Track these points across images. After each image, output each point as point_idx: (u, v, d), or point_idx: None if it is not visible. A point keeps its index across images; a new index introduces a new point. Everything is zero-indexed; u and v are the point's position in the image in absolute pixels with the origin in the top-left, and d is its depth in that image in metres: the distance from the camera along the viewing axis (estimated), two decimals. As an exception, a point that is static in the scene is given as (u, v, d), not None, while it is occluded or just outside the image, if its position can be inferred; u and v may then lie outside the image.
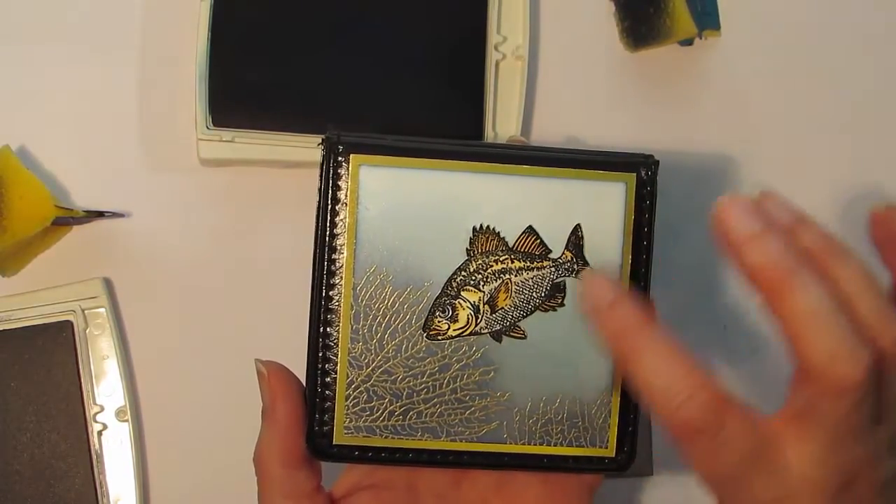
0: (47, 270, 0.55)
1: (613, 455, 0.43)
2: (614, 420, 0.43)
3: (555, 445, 0.43)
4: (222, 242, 0.56)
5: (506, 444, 0.42)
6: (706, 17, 0.58)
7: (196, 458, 0.55)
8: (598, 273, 0.41)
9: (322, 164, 0.41)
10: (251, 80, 0.54)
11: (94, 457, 0.53)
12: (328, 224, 0.41)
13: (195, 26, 0.54)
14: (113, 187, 0.55)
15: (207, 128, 0.53)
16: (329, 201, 0.41)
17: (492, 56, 0.56)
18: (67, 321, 0.53)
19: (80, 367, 0.53)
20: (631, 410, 0.43)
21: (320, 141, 0.42)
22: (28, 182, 0.52)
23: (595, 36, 0.59)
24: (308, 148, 0.54)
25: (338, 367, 0.42)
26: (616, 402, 0.43)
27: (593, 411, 0.42)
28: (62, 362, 0.53)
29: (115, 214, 0.55)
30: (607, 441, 0.43)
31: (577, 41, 0.59)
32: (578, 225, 0.42)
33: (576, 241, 0.42)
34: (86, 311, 0.54)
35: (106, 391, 0.54)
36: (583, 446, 0.43)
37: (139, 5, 0.56)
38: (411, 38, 0.56)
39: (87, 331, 0.54)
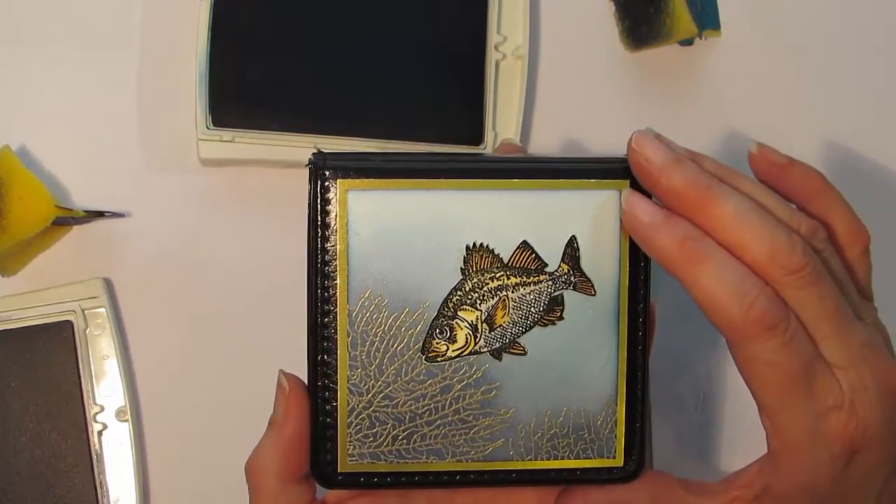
0: (47, 270, 0.55)
1: (622, 465, 0.43)
2: (620, 430, 0.42)
3: (562, 459, 0.42)
4: (222, 242, 0.56)
5: (512, 461, 0.42)
6: (706, 17, 0.59)
7: (196, 458, 0.55)
8: (636, 192, 0.41)
9: (309, 191, 0.41)
10: (251, 80, 0.54)
11: (94, 457, 0.53)
12: (319, 251, 0.41)
13: (195, 26, 0.54)
14: (113, 187, 0.55)
15: (207, 128, 0.53)
16: (319, 228, 0.41)
17: (492, 56, 0.56)
18: (67, 321, 0.53)
19: (81, 367, 0.53)
20: (637, 419, 0.43)
21: (307, 163, 0.41)
22: (28, 182, 0.52)
23: (595, 36, 0.59)
24: (308, 148, 0.54)
25: (338, 395, 0.41)
26: (621, 411, 0.42)
27: (599, 422, 0.42)
28: (62, 362, 0.53)
29: (115, 214, 0.55)
30: (615, 451, 0.42)
31: (577, 41, 0.59)
32: (573, 237, 0.41)
33: (571, 253, 0.42)
34: (86, 311, 0.54)
35: (106, 391, 0.54)
36: (590, 458, 0.42)
37: (139, 5, 0.56)
38: (412, 38, 0.56)
39: (88, 331, 0.54)
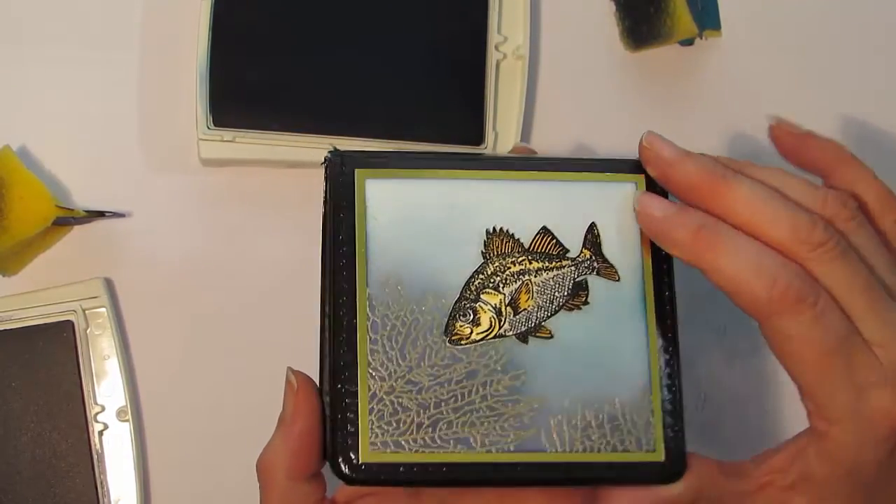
0: (48, 270, 0.55)
1: (662, 460, 0.40)
2: (658, 420, 0.40)
3: (598, 452, 0.40)
4: (222, 242, 0.56)
5: (546, 452, 0.40)
6: (706, 17, 0.59)
7: (197, 457, 0.55)
8: (648, 192, 0.41)
9: (326, 182, 0.41)
10: (251, 80, 0.54)
11: (94, 457, 0.53)
12: (337, 236, 0.40)
13: (196, 26, 0.54)
14: (113, 187, 0.55)
15: (208, 128, 0.53)
16: (337, 213, 0.40)
17: (492, 56, 0.56)
18: (68, 321, 0.53)
19: (81, 366, 0.53)
20: (675, 408, 0.41)
21: (322, 161, 0.41)
22: (29, 182, 0.52)
23: (595, 36, 0.59)
24: (308, 148, 0.54)
25: (358, 379, 0.40)
26: (657, 401, 0.40)
27: (634, 412, 0.40)
28: (63, 362, 0.53)
29: (115, 214, 0.55)
30: (653, 442, 0.40)
31: (577, 41, 0.59)
32: (594, 223, 0.41)
33: (593, 239, 0.41)
34: (86, 311, 0.54)
35: (107, 391, 0.54)
36: (628, 451, 0.40)
37: (139, 5, 0.56)
38: (412, 38, 0.56)
39: (88, 331, 0.54)
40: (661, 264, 0.41)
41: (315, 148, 0.53)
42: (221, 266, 0.56)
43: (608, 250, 0.41)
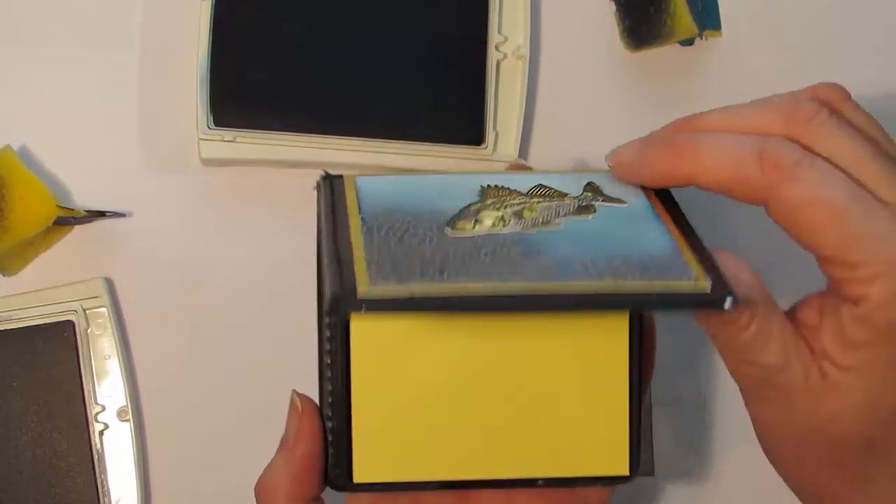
0: (49, 270, 0.55)
1: (708, 290, 0.35)
2: (695, 265, 0.36)
3: (633, 281, 0.35)
4: (223, 242, 0.56)
5: (573, 282, 0.35)
6: (707, 17, 0.59)
7: (197, 458, 0.55)
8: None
9: (318, 203, 0.41)
10: (252, 79, 0.54)
11: (95, 457, 0.53)
12: (327, 188, 0.41)
13: (196, 26, 0.54)
14: (114, 187, 0.55)
15: (209, 127, 0.53)
16: (328, 184, 0.41)
17: (493, 56, 0.56)
18: (69, 321, 0.53)
19: (82, 366, 0.53)
20: (710, 259, 0.36)
21: (315, 186, 0.41)
22: (29, 182, 0.52)
23: (595, 36, 0.59)
24: (308, 148, 0.54)
25: (353, 254, 0.36)
26: (690, 256, 0.36)
27: (667, 257, 0.36)
28: (63, 362, 0.53)
29: (116, 214, 0.55)
30: (694, 277, 0.35)
31: (577, 41, 0.59)
32: (591, 181, 0.41)
33: (593, 189, 0.40)
34: (87, 311, 0.54)
35: (107, 391, 0.54)
36: (668, 280, 0.35)
37: (139, 5, 0.56)
38: (412, 38, 0.56)
39: (89, 330, 0.54)
40: (664, 198, 0.40)
41: (315, 148, 0.54)
42: (222, 266, 0.56)
43: (609, 194, 0.41)
